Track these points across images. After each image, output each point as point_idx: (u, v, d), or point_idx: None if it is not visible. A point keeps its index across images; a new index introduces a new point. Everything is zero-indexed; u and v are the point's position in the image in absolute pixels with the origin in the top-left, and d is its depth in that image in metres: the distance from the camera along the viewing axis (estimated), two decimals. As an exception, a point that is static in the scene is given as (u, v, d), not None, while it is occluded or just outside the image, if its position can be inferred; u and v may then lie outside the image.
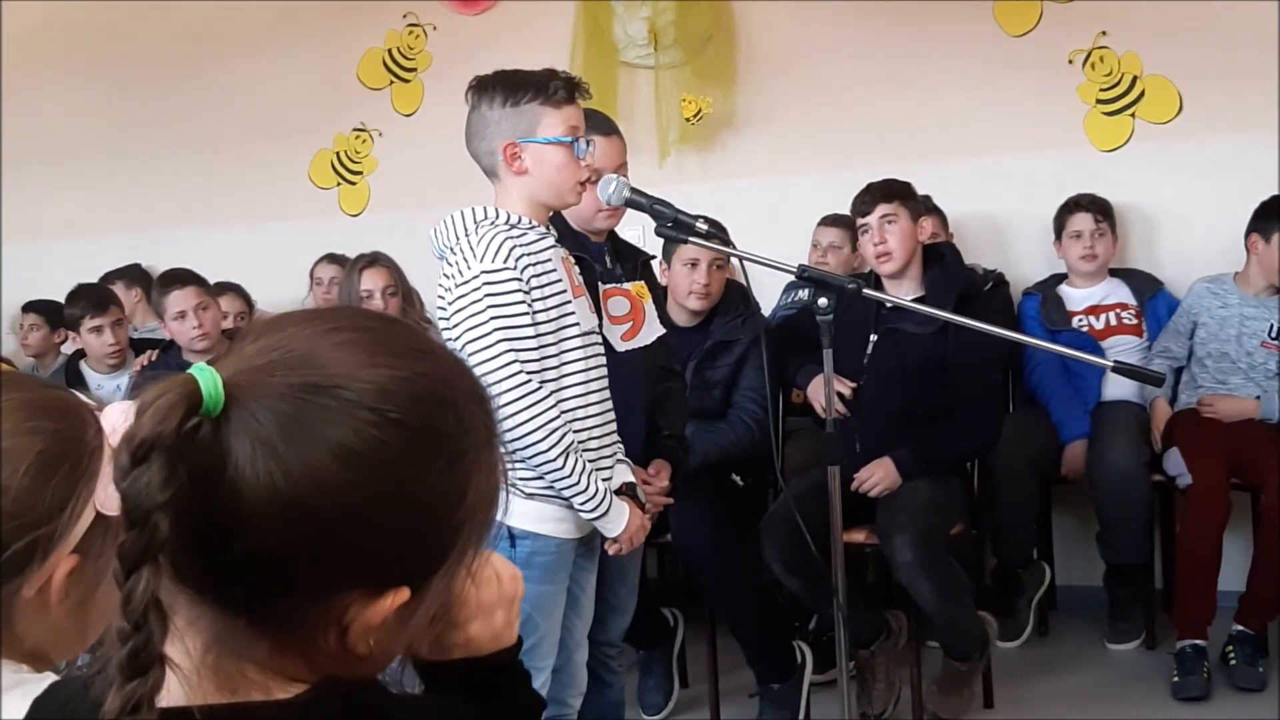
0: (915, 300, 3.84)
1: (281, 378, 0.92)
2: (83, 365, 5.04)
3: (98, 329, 4.88)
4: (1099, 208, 4.71)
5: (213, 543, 0.89)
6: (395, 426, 0.92)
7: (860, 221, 4.05)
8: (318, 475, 0.89)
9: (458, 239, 2.76)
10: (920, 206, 4.10)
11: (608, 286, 3.25)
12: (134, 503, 0.84)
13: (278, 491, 0.89)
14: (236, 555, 0.89)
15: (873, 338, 4.03)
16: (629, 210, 3.10)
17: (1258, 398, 4.37)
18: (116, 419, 0.98)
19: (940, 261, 4.06)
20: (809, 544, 3.18)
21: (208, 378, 0.89)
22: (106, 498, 0.95)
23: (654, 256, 3.69)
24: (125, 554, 0.84)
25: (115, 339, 4.91)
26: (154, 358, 4.79)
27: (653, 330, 3.36)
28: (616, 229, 3.42)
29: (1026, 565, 4.64)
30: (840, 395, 3.92)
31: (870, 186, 4.04)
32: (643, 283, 3.41)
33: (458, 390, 0.99)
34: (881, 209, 3.97)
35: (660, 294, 3.84)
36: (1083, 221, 4.70)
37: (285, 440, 0.89)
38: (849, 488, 3.79)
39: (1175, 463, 4.29)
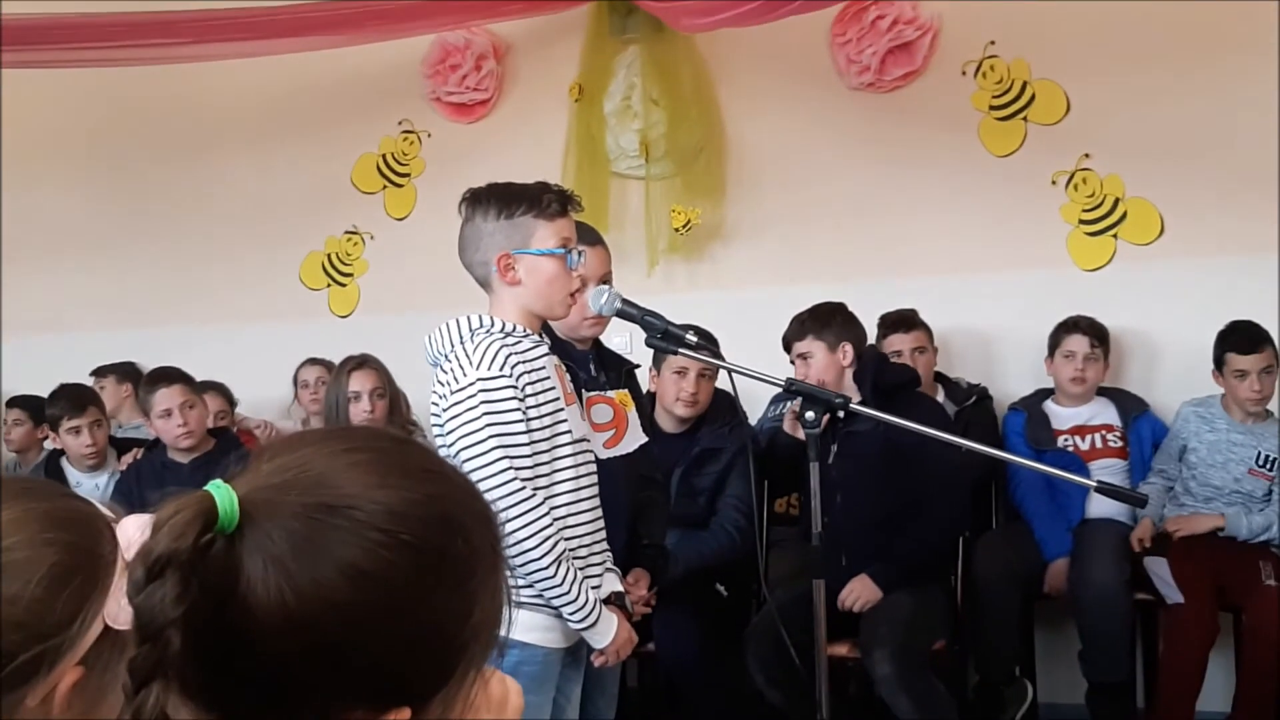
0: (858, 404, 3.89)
1: (295, 497, 0.93)
2: (63, 462, 5.02)
3: (75, 429, 4.88)
4: (1095, 332, 4.73)
5: (222, 658, 0.90)
6: (405, 548, 0.93)
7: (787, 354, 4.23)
8: (327, 594, 0.91)
9: (452, 346, 2.78)
10: (840, 333, 4.16)
11: (591, 394, 3.27)
12: (147, 618, 0.85)
13: (288, 609, 0.90)
14: (244, 671, 0.90)
15: (833, 447, 4.09)
16: (616, 317, 3.13)
17: (1222, 514, 4.39)
18: (133, 533, 0.99)
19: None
20: (793, 657, 3.18)
21: (224, 495, 0.91)
22: (118, 611, 0.95)
23: (638, 365, 3.73)
24: (136, 669, 0.84)
25: (93, 440, 4.89)
26: (138, 456, 4.78)
27: (635, 438, 3.38)
28: (601, 337, 3.45)
29: (1009, 682, 4.60)
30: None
31: (792, 321, 4.21)
32: (626, 391, 3.43)
33: (468, 513, 1.00)
34: (796, 348, 4.15)
35: (646, 402, 3.87)
36: (1077, 344, 4.72)
37: (297, 558, 0.91)
38: (834, 601, 3.79)
39: (1162, 578, 4.29)
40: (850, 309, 4.24)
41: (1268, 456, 4.43)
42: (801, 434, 3.31)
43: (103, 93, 6.21)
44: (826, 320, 4.14)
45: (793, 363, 4.19)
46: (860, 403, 3.84)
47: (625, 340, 4.83)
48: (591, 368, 3.34)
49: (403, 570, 0.93)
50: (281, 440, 1.02)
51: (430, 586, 0.95)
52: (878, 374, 4.12)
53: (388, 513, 0.94)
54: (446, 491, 1.00)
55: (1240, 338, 4.43)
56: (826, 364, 4.10)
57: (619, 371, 3.47)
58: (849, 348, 4.13)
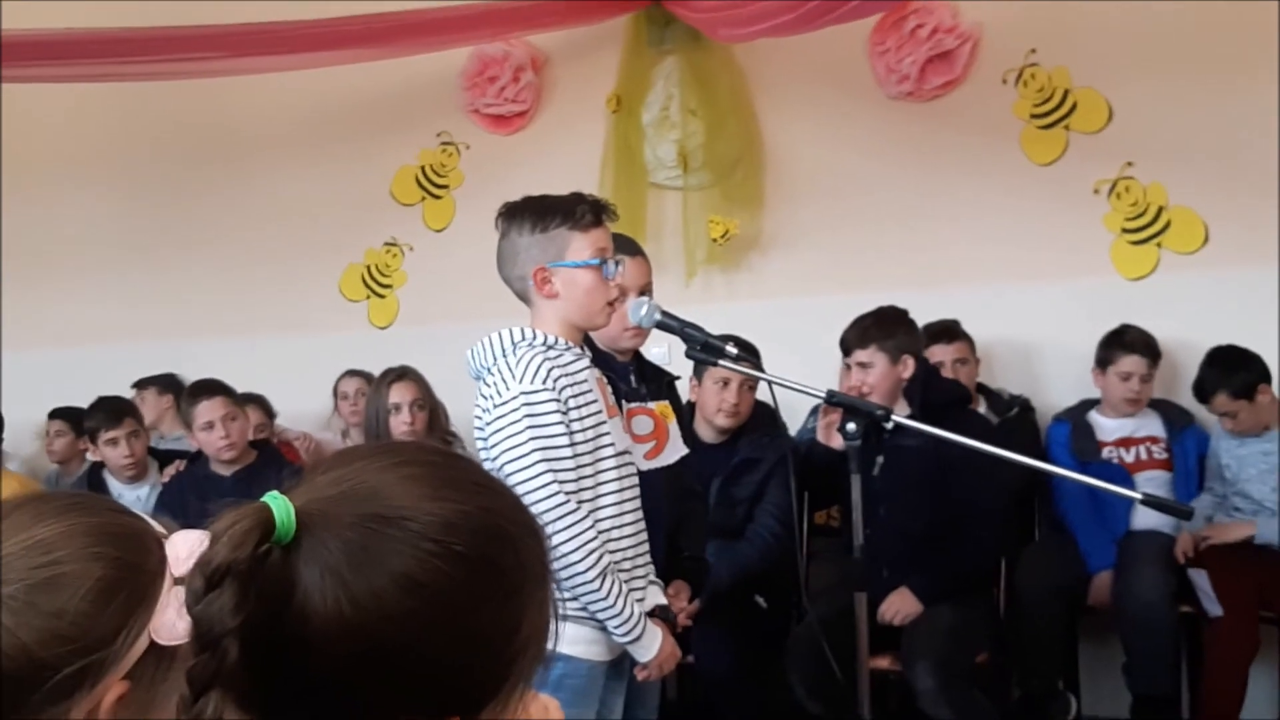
0: (906, 417, 3.85)
1: (350, 508, 0.95)
2: (105, 475, 5.06)
3: (113, 440, 4.92)
4: (1151, 351, 4.66)
5: (278, 667, 0.91)
6: (457, 559, 0.95)
7: (845, 357, 4.15)
8: (382, 603, 0.92)
9: (495, 359, 2.78)
10: (903, 344, 4.10)
11: (632, 405, 3.27)
12: (206, 627, 0.87)
13: (343, 618, 0.91)
14: (300, 680, 0.92)
15: (879, 459, 4.06)
16: (655, 329, 3.13)
17: (1253, 521, 4.37)
18: (182, 548, 1.00)
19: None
20: (834, 669, 3.16)
21: (281, 506, 0.93)
22: (161, 626, 0.96)
23: (678, 377, 3.73)
24: (195, 677, 0.86)
25: (131, 451, 4.93)
26: (181, 468, 4.81)
27: (676, 450, 3.38)
28: (640, 348, 3.45)
29: (1052, 695, 4.57)
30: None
31: (854, 324, 4.13)
32: (667, 403, 3.43)
33: (517, 525, 1.02)
34: (857, 355, 4.07)
35: (686, 412, 3.86)
36: (1134, 364, 4.64)
37: (352, 569, 0.92)
38: (875, 614, 3.78)
39: (1204, 590, 4.25)
40: (910, 315, 4.20)
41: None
42: (837, 443, 3.29)
43: (146, 106, 6.27)
44: (891, 329, 4.08)
45: (848, 366, 4.15)
46: (909, 416, 3.82)
47: (664, 351, 4.83)
48: (632, 379, 3.35)
49: (455, 581, 0.95)
50: (335, 455, 1.04)
51: (481, 597, 0.96)
52: (927, 389, 4.08)
53: (441, 524, 0.96)
54: (497, 505, 1.02)
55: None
56: (885, 374, 4.04)
57: (660, 383, 3.47)
58: (910, 361, 4.08)
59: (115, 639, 0.98)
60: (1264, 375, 4.39)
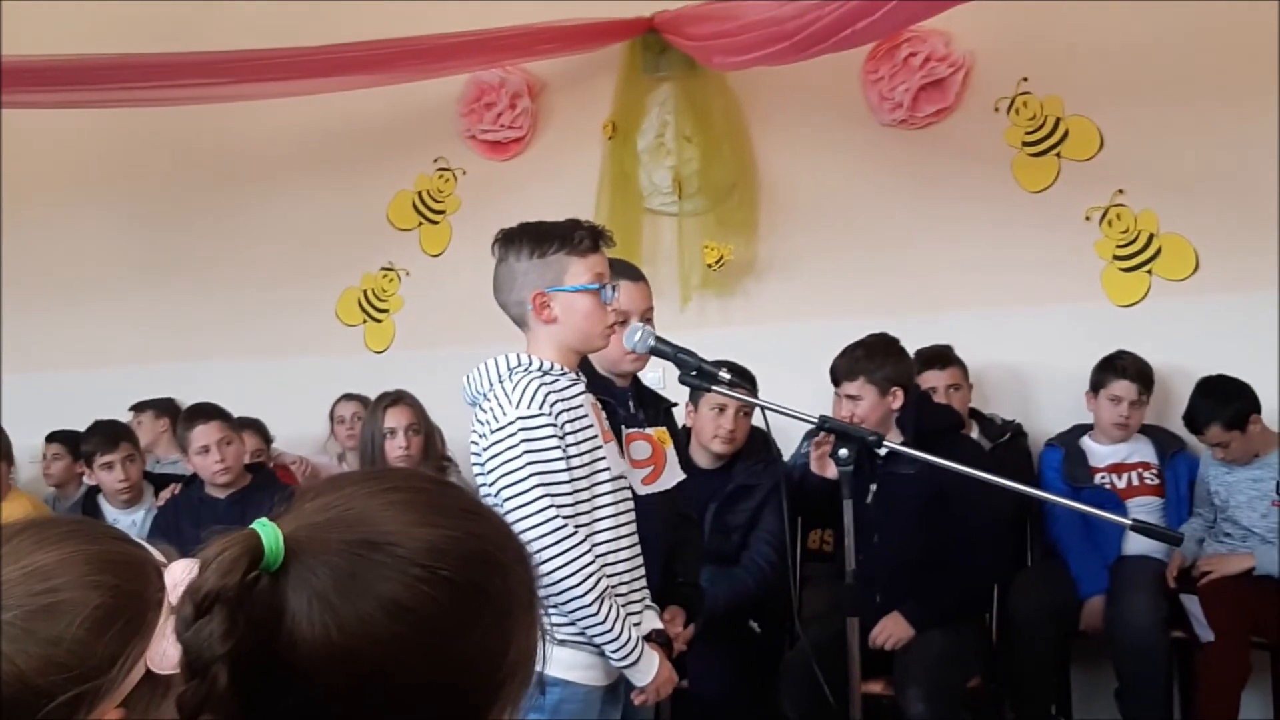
0: (900, 444, 3.86)
1: (338, 535, 0.96)
2: (100, 499, 5.07)
3: (108, 465, 4.92)
4: (1142, 377, 4.69)
5: (268, 693, 0.92)
6: (444, 583, 0.96)
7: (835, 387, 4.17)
8: (370, 628, 0.93)
9: (491, 385, 2.80)
10: (892, 375, 4.10)
11: (630, 431, 3.29)
12: (195, 653, 0.88)
13: (332, 644, 0.92)
14: (290, 705, 0.93)
15: (872, 486, 4.08)
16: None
17: (1251, 552, 4.39)
18: (180, 576, 1.01)
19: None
20: (826, 694, 3.17)
21: (270, 533, 0.94)
22: (156, 654, 0.97)
23: (676, 404, 3.74)
24: (185, 704, 0.87)
25: (126, 475, 4.93)
26: (176, 492, 4.82)
27: (673, 475, 3.39)
28: (639, 374, 3.47)
29: (1045, 720, 4.58)
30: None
31: (843, 355, 4.14)
32: (665, 429, 3.45)
33: (505, 551, 1.03)
34: (846, 387, 4.08)
35: (682, 438, 3.87)
36: (1124, 389, 4.67)
37: (340, 594, 0.93)
38: (867, 639, 3.79)
39: (1196, 616, 4.26)
40: (900, 343, 4.21)
41: (1284, 485, 4.43)
42: (830, 473, 3.30)
43: (144, 131, 6.29)
44: (880, 361, 4.07)
45: (839, 395, 4.17)
46: (902, 444, 3.83)
47: (658, 375, 4.85)
48: (631, 405, 3.36)
49: (442, 606, 0.96)
50: (324, 481, 1.05)
51: (469, 623, 0.97)
52: (920, 417, 4.10)
53: (428, 549, 0.97)
54: (484, 530, 1.03)
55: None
56: (874, 407, 4.05)
57: (658, 409, 3.48)
58: (900, 392, 4.08)
59: (111, 667, 0.98)
60: (1255, 405, 4.42)
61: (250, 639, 0.90)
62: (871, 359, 4.07)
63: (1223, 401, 4.43)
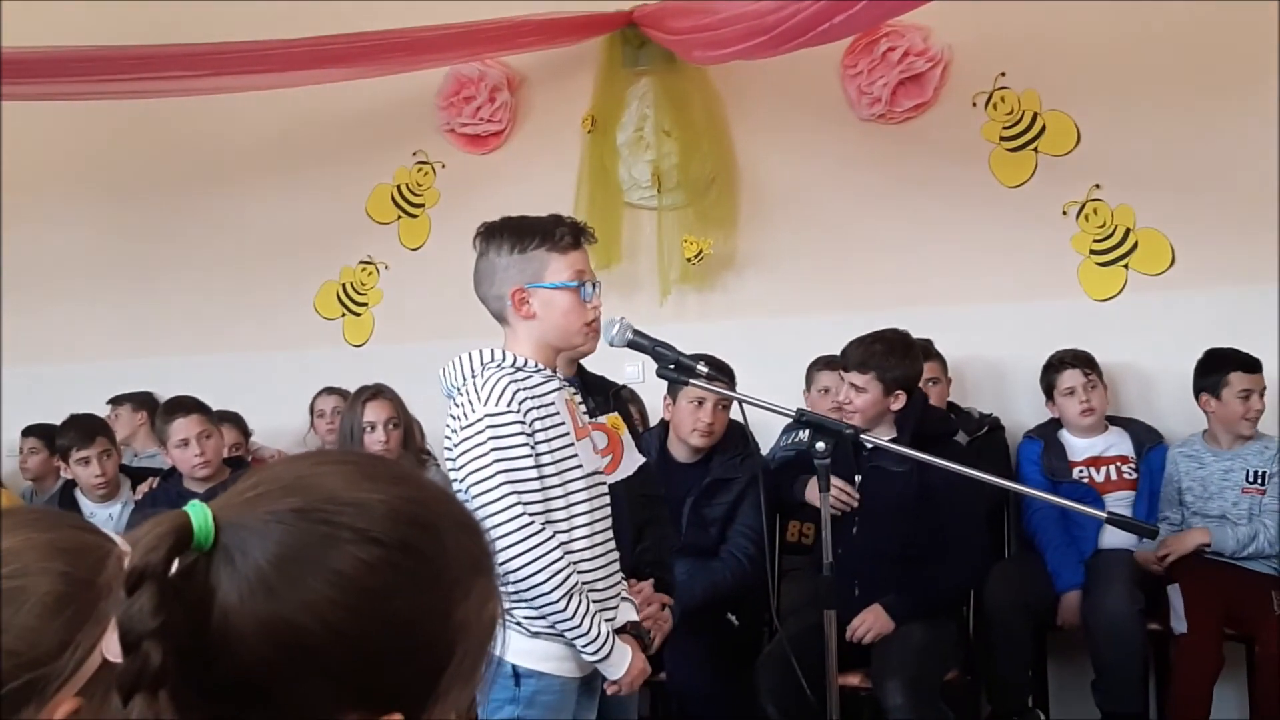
0: (890, 440, 3.87)
1: (266, 506, 0.97)
2: (77, 493, 5.05)
3: (85, 460, 4.91)
4: (1084, 361, 4.74)
5: (207, 670, 0.93)
6: (374, 544, 0.97)
7: (840, 373, 4.18)
8: (303, 595, 0.94)
9: (464, 380, 2.80)
10: (901, 377, 4.10)
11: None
12: (126, 629, 0.89)
13: (265, 615, 0.93)
14: (230, 681, 0.93)
15: (857, 479, 4.09)
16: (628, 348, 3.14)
17: (1206, 528, 4.43)
18: None
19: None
20: (804, 687, 3.18)
21: (199, 512, 0.95)
22: (110, 643, 0.97)
23: (623, 386, 3.73)
24: (121, 681, 0.87)
25: (102, 470, 4.93)
26: (154, 485, 4.81)
27: (633, 460, 3.40)
28: (584, 364, 3.44)
29: (1022, 713, 4.59)
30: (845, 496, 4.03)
31: (859, 343, 4.13)
32: (616, 414, 3.44)
33: (438, 514, 1.03)
34: (853, 377, 4.08)
35: (636, 421, 3.87)
36: (1072, 378, 4.72)
37: (272, 564, 0.94)
38: (844, 631, 3.80)
39: (1176, 607, 4.29)
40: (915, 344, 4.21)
41: (1256, 472, 4.45)
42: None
43: (120, 124, 6.27)
44: (896, 361, 4.06)
45: (842, 378, 4.17)
46: (892, 440, 3.84)
47: (637, 369, 4.86)
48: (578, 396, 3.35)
49: (373, 567, 0.96)
50: (262, 465, 1.06)
51: (402, 585, 0.98)
52: (920, 421, 4.10)
53: (356, 511, 0.97)
54: (415, 494, 1.03)
55: (1241, 357, 4.47)
56: (874, 402, 4.06)
57: (605, 395, 3.47)
58: (903, 396, 4.08)
59: (61, 654, 0.98)
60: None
61: (183, 616, 0.91)
62: (888, 356, 4.06)
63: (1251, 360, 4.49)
